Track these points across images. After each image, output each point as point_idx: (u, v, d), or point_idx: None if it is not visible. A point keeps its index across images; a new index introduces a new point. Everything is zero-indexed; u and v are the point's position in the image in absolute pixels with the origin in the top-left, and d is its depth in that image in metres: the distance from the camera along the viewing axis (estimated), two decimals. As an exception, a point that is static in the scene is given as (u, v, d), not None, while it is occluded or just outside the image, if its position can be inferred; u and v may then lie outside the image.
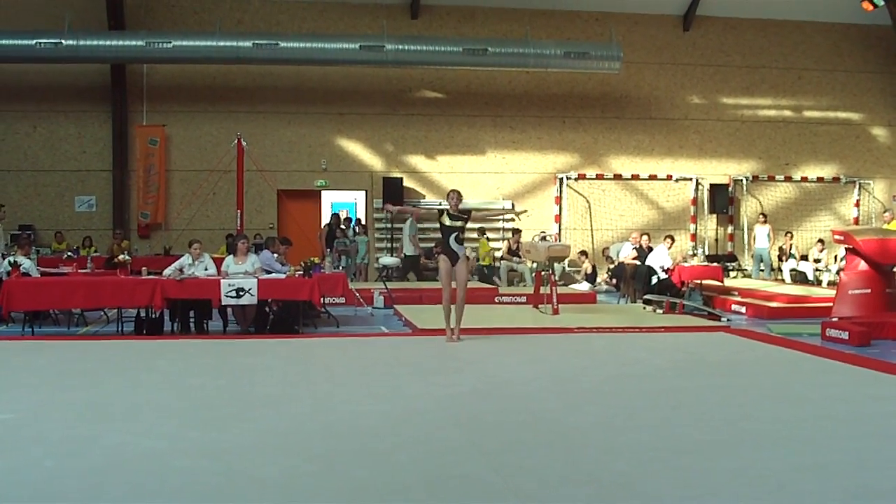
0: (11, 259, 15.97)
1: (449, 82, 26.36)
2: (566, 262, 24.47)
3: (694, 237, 27.37)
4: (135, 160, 24.98)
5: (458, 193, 13.91)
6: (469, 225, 14.80)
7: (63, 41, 22.36)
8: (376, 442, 7.44)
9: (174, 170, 25.18)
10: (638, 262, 20.99)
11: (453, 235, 13.66)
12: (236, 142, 21.37)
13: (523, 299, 19.90)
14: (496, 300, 20.24)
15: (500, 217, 26.51)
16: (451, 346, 13.28)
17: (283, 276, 15.71)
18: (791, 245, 26.41)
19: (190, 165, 24.96)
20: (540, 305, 18.06)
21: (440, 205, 25.68)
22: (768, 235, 25.79)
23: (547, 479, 6.38)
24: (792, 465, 6.78)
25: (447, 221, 13.68)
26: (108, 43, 22.93)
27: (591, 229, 27.04)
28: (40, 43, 22.32)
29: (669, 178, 27.38)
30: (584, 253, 25.93)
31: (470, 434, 7.80)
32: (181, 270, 15.12)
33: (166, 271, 15.17)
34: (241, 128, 23.12)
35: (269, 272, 15.82)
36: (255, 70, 25.03)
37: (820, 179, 28.15)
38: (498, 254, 25.34)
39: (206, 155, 24.59)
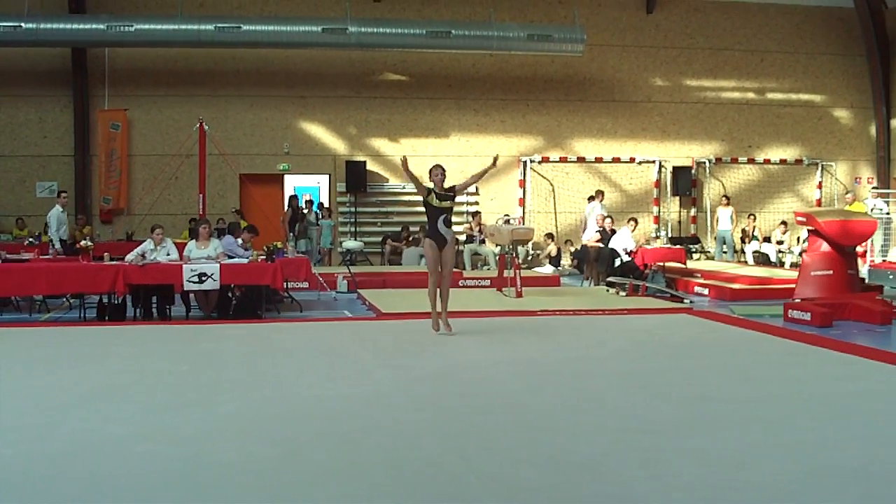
0: (-28, 246, 15.88)
1: (412, 65, 26.32)
2: (530, 245, 24.48)
3: (657, 219, 27.48)
4: (96, 145, 24.77)
5: (443, 168, 12.79)
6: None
7: (23, 24, 22.03)
8: (339, 426, 7.45)
9: (136, 154, 24.99)
10: (601, 245, 21.05)
11: (442, 217, 12.50)
12: (198, 126, 21.30)
13: (487, 283, 19.93)
14: (460, 283, 20.23)
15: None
16: (416, 330, 13.15)
17: (245, 260, 15.66)
18: (754, 227, 26.51)
19: (152, 150, 24.79)
20: (503, 288, 18.09)
21: (403, 188, 25.83)
22: (731, 217, 25.92)
23: (510, 461, 6.40)
24: (754, 445, 6.83)
25: (435, 202, 12.53)
26: (68, 26, 22.67)
27: (555, 212, 27.07)
28: (-1, 26, 22.09)
29: (632, 160, 27.45)
30: (549, 236, 25.96)
31: (433, 417, 7.82)
32: (143, 256, 15.03)
33: (128, 257, 15.10)
34: (203, 112, 23.04)
35: (231, 257, 15.76)
36: (218, 54, 24.85)
37: (783, 161, 28.29)
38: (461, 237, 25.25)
39: (169, 139, 24.45)
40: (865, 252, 20.75)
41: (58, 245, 18.64)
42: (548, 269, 24.24)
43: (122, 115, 24.72)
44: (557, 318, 14.75)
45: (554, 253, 25.41)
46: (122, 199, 24.80)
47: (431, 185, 12.70)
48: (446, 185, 12.80)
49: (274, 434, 7.18)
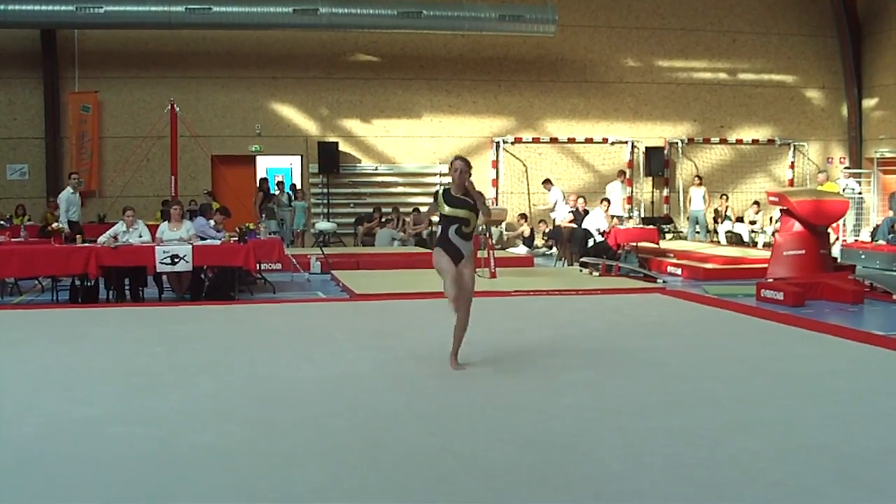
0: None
1: (384, 46, 26.21)
2: (504, 225, 24.50)
3: (630, 200, 27.46)
4: (67, 127, 24.59)
5: (466, 164, 9.22)
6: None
7: (-10, 6, 21.86)
8: (315, 407, 7.44)
9: (107, 137, 24.81)
10: (574, 225, 21.05)
11: (454, 227, 9.25)
12: (170, 108, 21.16)
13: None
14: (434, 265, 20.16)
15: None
16: (390, 311, 13.15)
17: (217, 242, 15.59)
18: (726, 207, 26.60)
19: (123, 132, 24.61)
20: (477, 269, 18.02)
21: (376, 169, 25.78)
22: (704, 197, 25.93)
23: (487, 441, 6.40)
24: (727, 424, 6.86)
25: (445, 209, 9.22)
26: (37, 8, 22.34)
27: (528, 193, 27.06)
28: (-34, 8, 21.82)
29: (605, 141, 27.45)
30: (523, 216, 25.96)
31: (407, 398, 7.82)
32: (115, 238, 14.94)
33: (101, 239, 14.99)
34: (174, 93, 22.85)
35: (203, 238, 15.69)
36: (188, 35, 24.69)
37: (755, 142, 28.37)
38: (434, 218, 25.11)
39: (140, 121, 24.26)
40: (838, 232, 20.84)
41: (66, 227, 18.45)
42: (521, 250, 24.28)
43: (92, 97, 24.54)
44: (531, 299, 14.75)
45: (527, 233, 25.43)
46: (94, 181, 24.62)
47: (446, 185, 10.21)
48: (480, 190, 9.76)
49: (250, 415, 7.17)
